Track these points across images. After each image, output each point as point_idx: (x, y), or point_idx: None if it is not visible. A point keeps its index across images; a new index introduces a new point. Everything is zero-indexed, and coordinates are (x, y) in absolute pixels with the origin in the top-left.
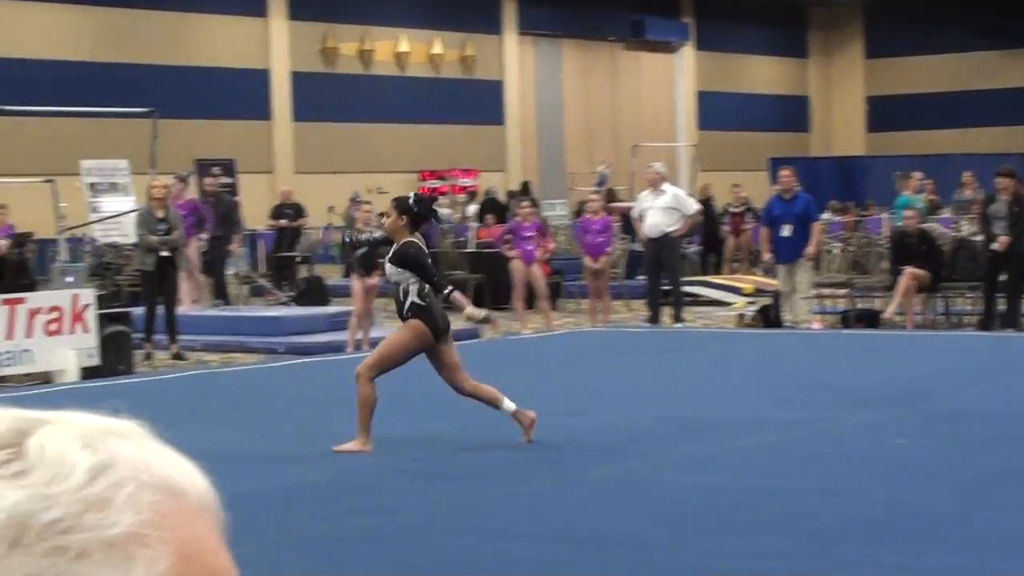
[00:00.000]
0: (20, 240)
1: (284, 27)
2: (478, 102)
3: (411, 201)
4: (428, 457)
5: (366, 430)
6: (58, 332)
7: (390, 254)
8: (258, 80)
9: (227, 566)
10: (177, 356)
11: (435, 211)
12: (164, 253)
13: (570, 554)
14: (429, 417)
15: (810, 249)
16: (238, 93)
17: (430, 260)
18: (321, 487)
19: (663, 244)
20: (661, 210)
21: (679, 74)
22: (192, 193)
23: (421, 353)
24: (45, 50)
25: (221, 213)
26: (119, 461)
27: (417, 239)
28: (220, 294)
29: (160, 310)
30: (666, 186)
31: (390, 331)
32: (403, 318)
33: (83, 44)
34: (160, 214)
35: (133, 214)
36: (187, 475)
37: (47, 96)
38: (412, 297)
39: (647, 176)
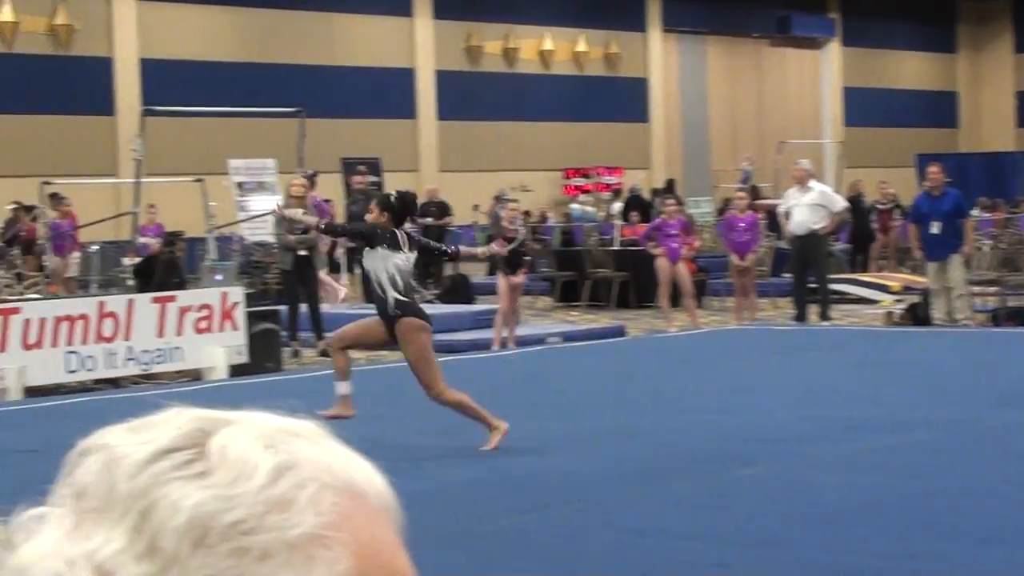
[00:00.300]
0: (171, 239)
1: (429, 26)
2: (622, 100)
3: (392, 199)
4: (576, 458)
5: (487, 417)
6: (208, 330)
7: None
8: (403, 79)
9: (406, 567)
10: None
11: (415, 207)
12: (302, 252)
13: (722, 554)
14: (574, 417)
15: (965, 248)
16: (384, 92)
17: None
18: (473, 485)
19: (809, 241)
20: (808, 207)
21: (825, 70)
22: (325, 192)
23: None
24: (194, 51)
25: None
26: (301, 462)
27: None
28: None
29: (304, 308)
30: (813, 183)
31: (534, 329)
32: (391, 316)
33: (231, 45)
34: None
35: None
36: (367, 476)
37: (196, 96)
38: (393, 294)
39: (794, 173)
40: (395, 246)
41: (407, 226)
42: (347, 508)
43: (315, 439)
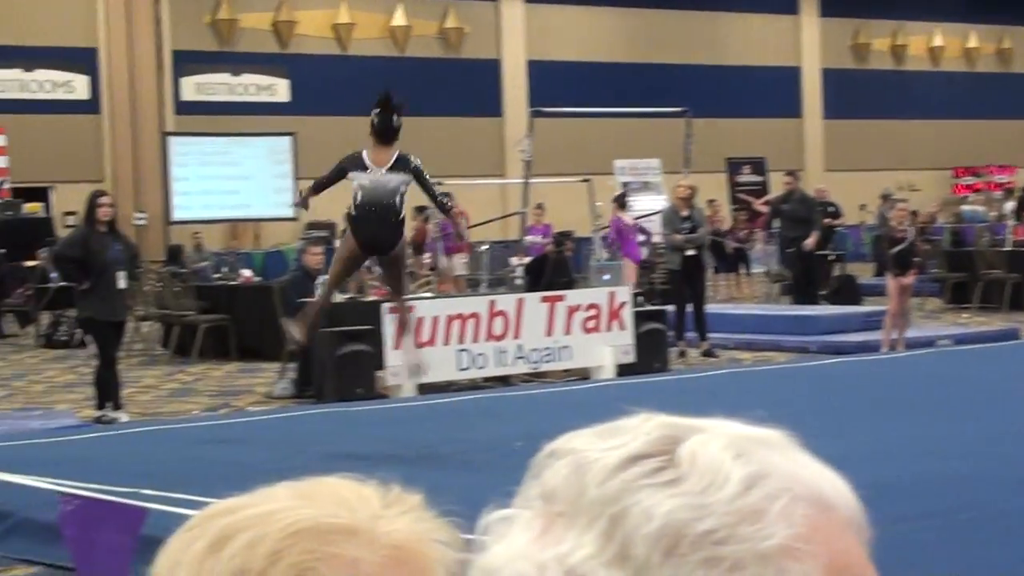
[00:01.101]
0: (560, 239)
1: (815, 24)
2: (1015, 96)
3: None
4: (969, 463)
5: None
6: (595, 329)
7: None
8: (789, 77)
9: None
10: (707, 353)
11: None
12: (689, 252)
13: None
14: (965, 419)
15: None
16: (769, 91)
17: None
18: (862, 489)
19: None
20: None
21: None
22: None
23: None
24: (580, 52)
25: (803, 212)
26: (771, 472)
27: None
28: (802, 291)
29: (689, 308)
30: None
31: (924, 331)
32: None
33: (616, 46)
34: (684, 213)
35: (660, 214)
36: (836, 487)
37: (582, 97)
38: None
39: None
40: (360, 167)
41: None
42: (817, 520)
43: (783, 449)
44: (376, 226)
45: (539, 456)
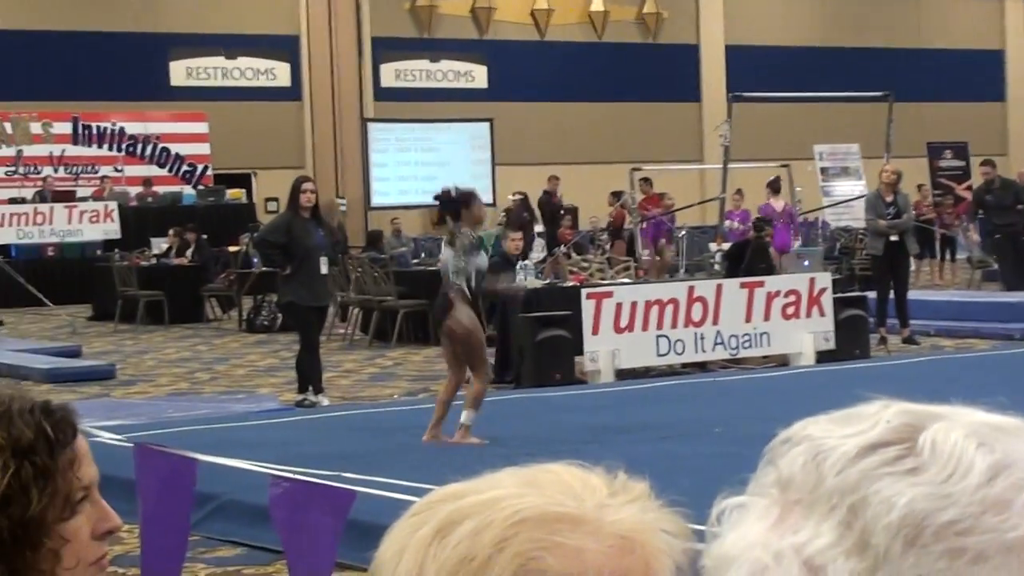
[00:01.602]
0: (760, 224)
1: (1020, 7)
2: None
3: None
4: None
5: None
6: (795, 316)
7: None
8: (992, 61)
9: None
10: (908, 340)
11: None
12: (893, 238)
13: None
14: None
15: None
16: (971, 75)
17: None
18: None
19: None
20: None
21: None
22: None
23: None
24: (778, 37)
25: (1008, 199)
26: (1016, 461)
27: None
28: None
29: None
30: None
31: None
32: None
33: (815, 29)
34: (889, 198)
35: (862, 199)
36: None
37: (780, 82)
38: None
39: None
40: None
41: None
42: None
43: None
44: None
45: (774, 443)
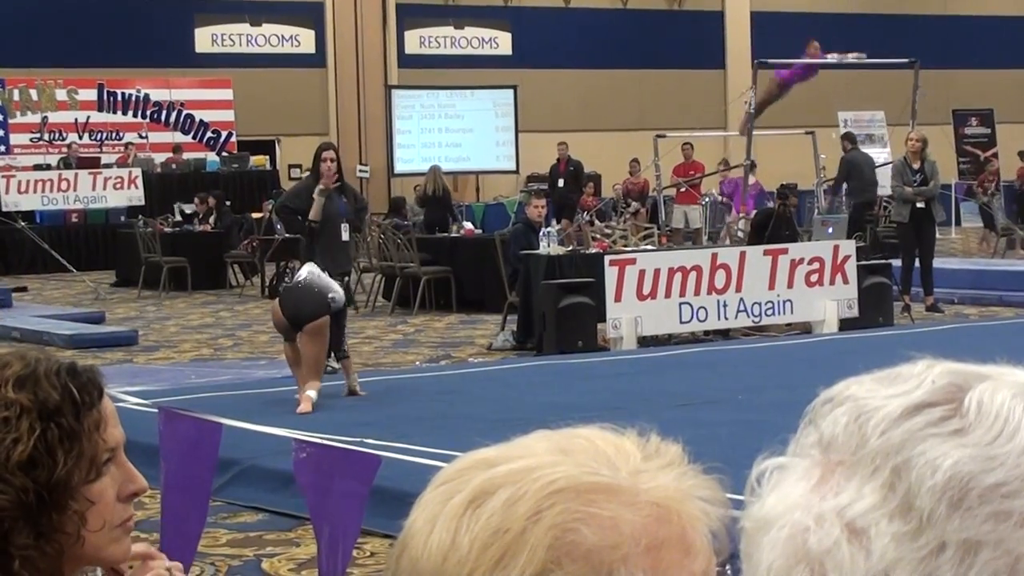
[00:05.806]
0: (784, 192)
1: None
2: None
3: None
4: None
5: None
6: (818, 283)
7: None
8: (1018, 28)
9: None
10: (932, 308)
11: None
12: (919, 205)
13: None
14: None
15: None
16: (998, 41)
17: None
18: None
19: None
20: None
21: None
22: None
23: None
24: (803, 3)
25: None
26: None
27: None
28: None
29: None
30: None
31: None
32: None
33: None
34: (915, 165)
35: (888, 166)
36: None
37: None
38: None
39: None
40: None
41: None
42: None
43: None
44: None
45: (815, 403)
